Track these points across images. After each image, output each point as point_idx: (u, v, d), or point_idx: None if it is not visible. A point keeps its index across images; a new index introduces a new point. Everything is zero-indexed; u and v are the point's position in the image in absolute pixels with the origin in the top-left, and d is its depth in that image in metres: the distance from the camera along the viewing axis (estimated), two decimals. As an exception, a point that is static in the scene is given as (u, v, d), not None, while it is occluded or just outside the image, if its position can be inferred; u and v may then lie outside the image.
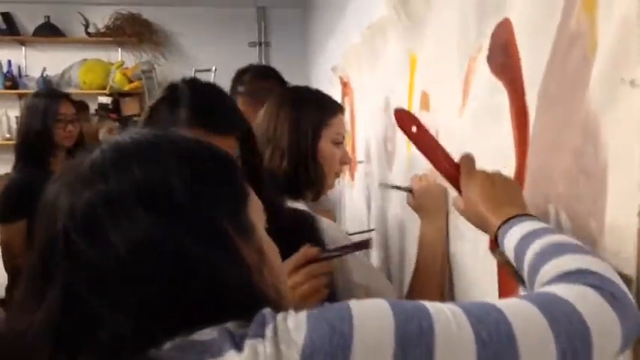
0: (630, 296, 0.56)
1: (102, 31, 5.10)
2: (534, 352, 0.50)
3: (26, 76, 5.09)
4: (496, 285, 0.98)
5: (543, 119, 0.83)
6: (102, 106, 5.00)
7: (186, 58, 5.26)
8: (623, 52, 0.62)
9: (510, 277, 0.79)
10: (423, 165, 1.43)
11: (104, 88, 5.04)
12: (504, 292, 0.95)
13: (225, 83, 2.20)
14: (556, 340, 0.50)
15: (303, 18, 5.19)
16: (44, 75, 5.03)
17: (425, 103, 1.42)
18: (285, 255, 0.65)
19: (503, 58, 0.94)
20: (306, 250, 0.92)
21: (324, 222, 1.18)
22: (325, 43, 3.70)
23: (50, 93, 2.39)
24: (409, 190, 1.30)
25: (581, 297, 0.54)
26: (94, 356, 0.49)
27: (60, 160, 2.33)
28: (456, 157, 1.20)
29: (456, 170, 0.85)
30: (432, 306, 0.52)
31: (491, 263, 0.96)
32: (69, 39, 5.13)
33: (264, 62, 5.15)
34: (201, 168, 0.55)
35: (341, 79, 2.78)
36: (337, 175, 1.44)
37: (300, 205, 1.27)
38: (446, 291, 1.25)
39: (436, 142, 0.90)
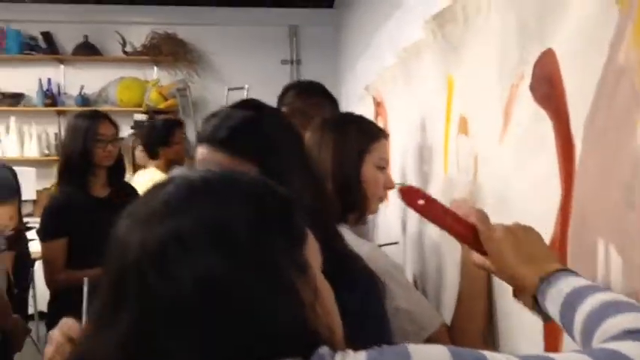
0: None
1: (138, 49, 5.22)
2: None
3: (65, 93, 5.23)
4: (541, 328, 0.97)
5: (590, 152, 0.82)
6: (137, 124, 5.10)
7: (219, 76, 5.35)
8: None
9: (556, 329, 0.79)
10: (461, 188, 1.44)
11: (140, 105, 5.14)
12: (549, 333, 0.93)
13: None
14: None
15: (334, 37, 5.23)
16: (82, 93, 5.16)
17: (463, 127, 1.42)
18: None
19: (547, 88, 0.94)
20: None
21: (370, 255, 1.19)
22: (357, 62, 3.72)
23: (91, 114, 2.45)
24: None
25: None
26: None
27: (100, 180, 2.38)
28: (496, 185, 1.21)
29: (471, 230, 0.84)
30: (492, 357, 0.51)
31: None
32: (106, 58, 5.26)
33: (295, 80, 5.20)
34: (264, 209, 0.57)
35: (374, 98, 2.79)
36: (381, 199, 1.45)
37: (343, 229, 1.27)
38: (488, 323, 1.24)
39: (445, 208, 0.90)
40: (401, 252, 2.09)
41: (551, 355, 0.53)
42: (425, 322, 1.22)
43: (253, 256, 0.53)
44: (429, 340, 1.21)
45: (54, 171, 5.07)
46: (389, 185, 1.44)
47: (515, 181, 1.10)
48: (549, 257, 0.76)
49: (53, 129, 5.23)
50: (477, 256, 0.83)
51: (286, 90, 2.07)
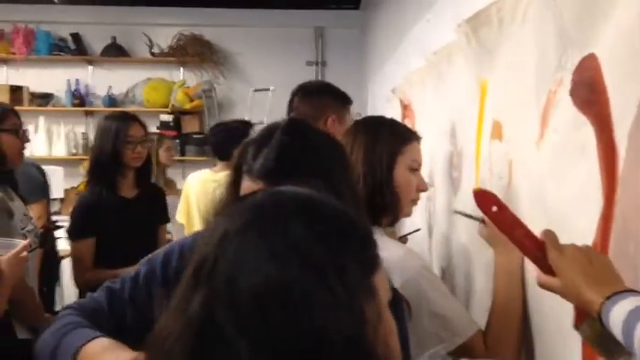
0: None
1: (165, 51, 5.27)
2: None
3: (93, 94, 5.30)
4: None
5: (634, 161, 0.80)
6: (163, 124, 5.15)
7: (244, 77, 5.38)
8: None
9: (597, 353, 0.78)
10: (494, 192, 1.42)
11: (166, 106, 5.20)
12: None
13: (282, 103, 2.24)
14: None
15: (360, 39, 5.23)
16: (110, 93, 5.23)
17: (497, 131, 1.40)
18: None
19: (589, 94, 0.92)
20: None
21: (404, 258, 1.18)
22: (383, 64, 3.71)
23: (121, 116, 2.48)
24: (481, 220, 1.28)
25: None
26: None
27: (128, 180, 2.41)
28: (532, 190, 1.19)
29: (539, 248, 0.84)
30: None
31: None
32: (134, 59, 5.33)
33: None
34: (344, 233, 0.60)
35: (401, 101, 2.78)
36: (414, 202, 1.44)
37: (376, 232, 1.27)
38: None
39: (517, 220, 0.90)
40: (426, 252, 2.07)
41: None
42: (460, 329, 1.21)
43: (325, 272, 0.56)
44: (464, 347, 1.19)
45: (81, 170, 5.16)
46: (422, 187, 1.43)
47: (553, 187, 1.08)
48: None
49: (81, 129, 5.31)
50: (542, 275, 0.84)
51: (292, 95, 2.08)
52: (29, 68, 5.22)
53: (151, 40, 5.24)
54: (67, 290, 4.18)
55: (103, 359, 0.89)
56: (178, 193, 3.63)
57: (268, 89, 4.80)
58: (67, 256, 3.63)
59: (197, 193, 3.00)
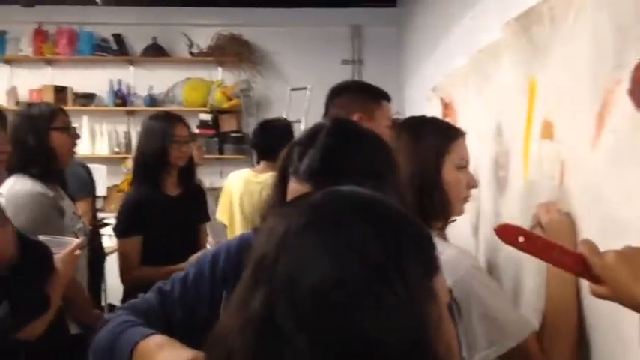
0: None
1: (204, 51, 5.33)
2: None
3: (134, 94, 5.40)
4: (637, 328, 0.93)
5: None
6: (202, 123, 5.22)
7: (282, 76, 5.41)
8: None
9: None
10: (544, 193, 1.39)
11: (205, 105, 5.26)
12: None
13: (319, 101, 2.24)
14: None
15: (397, 37, 5.20)
16: (150, 93, 5.32)
17: (547, 131, 1.37)
18: None
19: (652, 93, 0.90)
20: None
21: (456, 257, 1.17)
22: (423, 62, 3.68)
23: (167, 116, 2.52)
24: (539, 225, 1.24)
25: None
26: None
27: (172, 179, 2.45)
28: (586, 191, 1.17)
29: (579, 261, 0.83)
30: None
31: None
32: (173, 59, 5.41)
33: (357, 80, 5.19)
34: (407, 234, 0.61)
35: (442, 99, 2.75)
36: (466, 200, 1.42)
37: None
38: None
39: (548, 242, 0.88)
40: (472, 252, 2.05)
41: None
42: (511, 331, 1.18)
43: (386, 272, 0.56)
44: (518, 349, 1.17)
45: (123, 169, 5.27)
46: (472, 184, 1.41)
47: (609, 188, 1.06)
48: None
49: (123, 128, 5.42)
50: (592, 285, 0.83)
51: (326, 96, 2.02)
52: (73, 69, 5.35)
53: (190, 41, 5.31)
54: (112, 287, 4.28)
55: (160, 356, 0.91)
56: (210, 192, 3.64)
57: (305, 88, 4.81)
58: (111, 252, 3.72)
59: (240, 193, 2.99)
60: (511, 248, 1.63)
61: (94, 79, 5.32)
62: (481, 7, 2.13)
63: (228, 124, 5.38)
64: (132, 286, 2.35)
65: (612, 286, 0.80)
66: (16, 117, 2.08)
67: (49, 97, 4.95)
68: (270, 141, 2.91)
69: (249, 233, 1.21)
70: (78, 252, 1.56)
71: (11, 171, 1.88)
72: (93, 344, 1.03)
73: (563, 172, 1.27)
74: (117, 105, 5.33)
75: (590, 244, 0.84)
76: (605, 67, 1.07)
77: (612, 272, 0.79)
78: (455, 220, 1.44)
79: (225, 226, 3.15)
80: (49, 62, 5.34)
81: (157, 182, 2.39)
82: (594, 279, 0.82)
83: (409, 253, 0.58)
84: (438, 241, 1.20)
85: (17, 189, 1.92)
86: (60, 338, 1.79)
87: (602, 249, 0.84)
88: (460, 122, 2.38)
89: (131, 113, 5.43)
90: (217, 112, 5.31)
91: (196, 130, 4.95)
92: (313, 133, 1.03)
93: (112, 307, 4.18)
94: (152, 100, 5.31)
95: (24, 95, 5.28)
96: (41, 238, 1.51)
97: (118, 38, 5.33)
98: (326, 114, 1.99)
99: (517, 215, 1.52)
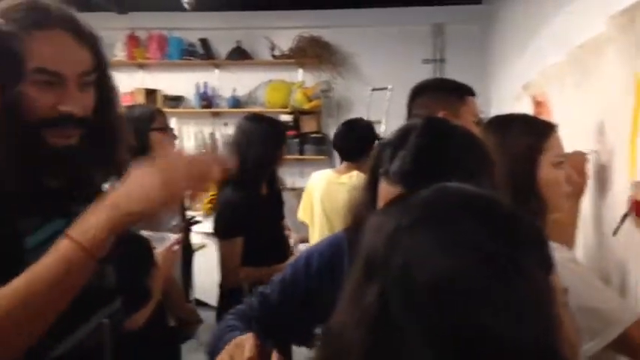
0: None
1: (285, 53, 5.42)
2: None
3: (219, 96, 5.57)
4: None
5: None
6: (284, 124, 5.29)
7: (362, 77, 5.40)
8: None
9: None
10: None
11: (286, 106, 5.34)
12: None
13: (400, 101, 2.20)
14: None
15: (482, 34, 5.06)
16: (234, 95, 5.47)
17: (658, 130, 1.29)
18: None
19: None
20: None
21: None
22: (510, 60, 3.57)
23: (263, 118, 2.54)
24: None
25: None
26: None
27: (265, 179, 2.47)
28: None
29: None
30: None
31: None
32: (256, 61, 5.53)
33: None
34: (520, 232, 0.59)
35: (533, 98, 2.66)
36: (568, 195, 1.35)
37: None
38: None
39: None
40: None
41: None
42: (614, 317, 1.12)
43: (505, 269, 0.55)
44: (622, 340, 1.10)
45: (208, 168, 5.43)
46: (572, 179, 1.34)
47: None
48: None
49: (208, 129, 5.60)
50: None
51: (408, 100, 1.97)
52: (162, 72, 5.58)
53: (272, 43, 5.41)
54: (198, 282, 4.43)
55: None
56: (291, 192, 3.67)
57: (386, 88, 4.78)
58: (198, 249, 3.85)
59: (322, 193, 3.00)
60: (613, 243, 1.56)
61: (181, 82, 5.53)
62: (580, 1, 2.04)
63: (308, 125, 5.44)
64: (234, 288, 2.33)
65: None
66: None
67: (140, 100, 5.17)
68: (353, 142, 2.90)
69: (339, 234, 1.21)
70: (176, 248, 1.62)
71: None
72: (206, 349, 1.10)
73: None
74: (202, 107, 5.50)
75: None
76: None
77: None
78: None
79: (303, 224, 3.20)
80: (141, 66, 5.59)
81: (258, 183, 2.40)
82: None
83: (526, 249, 0.57)
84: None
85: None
86: (161, 329, 1.87)
87: None
88: (555, 121, 2.29)
89: (216, 115, 5.60)
90: (298, 113, 5.38)
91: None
92: (404, 133, 1.01)
93: (198, 303, 4.32)
94: (235, 102, 5.45)
95: (118, 98, 5.56)
96: (143, 233, 1.58)
97: (204, 42, 5.51)
98: (409, 115, 1.96)
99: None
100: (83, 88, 1.00)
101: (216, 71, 5.60)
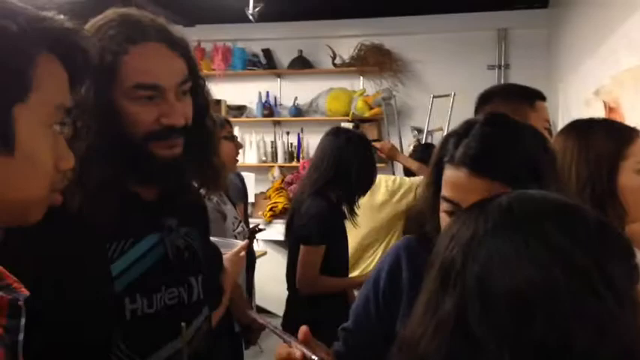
0: None
1: (347, 61, 5.44)
2: None
3: (280, 105, 5.65)
4: None
5: None
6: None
7: (423, 84, 5.36)
8: None
9: None
10: None
11: (346, 114, 5.35)
12: None
13: (463, 108, 2.17)
14: None
15: (547, 38, 4.92)
16: (295, 104, 5.53)
17: None
18: None
19: None
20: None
21: None
22: (580, 64, 3.45)
23: (344, 131, 2.60)
24: None
25: None
26: None
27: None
28: None
29: None
30: None
31: None
32: (317, 70, 5.58)
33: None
34: (607, 241, 0.58)
35: (605, 103, 2.56)
36: None
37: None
38: None
39: None
40: None
41: None
42: None
43: (592, 279, 0.53)
44: None
45: (269, 177, 5.53)
46: None
47: None
48: None
49: (270, 137, 5.68)
50: None
51: (475, 108, 1.92)
52: (226, 83, 5.70)
53: (333, 52, 5.44)
54: (259, 289, 4.49)
55: None
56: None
57: (448, 95, 4.72)
58: (260, 256, 3.90)
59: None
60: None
61: (244, 91, 5.64)
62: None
63: (369, 133, 5.40)
64: (310, 295, 2.35)
65: None
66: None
67: (205, 110, 5.31)
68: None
69: (401, 242, 1.20)
70: (243, 254, 1.65)
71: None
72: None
73: None
74: (264, 116, 5.59)
75: None
76: None
77: None
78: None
79: None
80: (206, 77, 5.69)
81: (341, 193, 2.42)
82: None
83: (613, 259, 0.55)
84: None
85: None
86: (228, 333, 1.91)
87: None
88: (628, 128, 2.20)
89: (277, 123, 5.68)
90: (359, 121, 5.38)
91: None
92: (468, 125, 1.01)
93: (259, 310, 4.38)
94: (297, 111, 5.51)
95: (184, 108, 5.73)
96: (211, 239, 1.62)
97: (266, 53, 5.60)
98: None
99: None
100: (181, 97, 1.00)
101: (278, 80, 5.69)
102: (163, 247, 1.01)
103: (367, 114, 5.31)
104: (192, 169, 1.05)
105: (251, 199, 5.16)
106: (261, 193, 5.49)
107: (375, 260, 3.17)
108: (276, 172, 5.53)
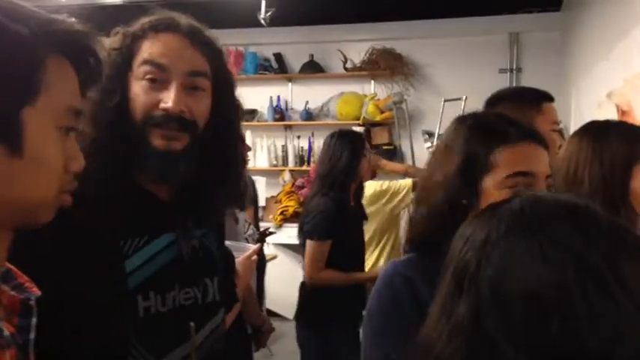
0: None
1: (358, 65, 5.44)
2: None
3: (291, 109, 5.66)
4: None
5: None
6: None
7: (435, 87, 5.35)
8: None
9: None
10: None
11: (357, 118, 5.36)
12: None
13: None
14: None
15: (560, 42, 4.90)
16: (307, 108, 5.54)
17: None
18: None
19: None
20: None
21: None
22: (593, 67, 3.43)
23: (354, 132, 2.77)
24: None
25: None
26: None
27: (351, 191, 2.63)
28: None
29: None
30: None
31: None
32: (328, 74, 5.59)
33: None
34: (619, 241, 0.57)
35: (618, 106, 2.54)
36: None
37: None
38: None
39: None
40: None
41: None
42: None
43: (605, 279, 0.53)
44: None
45: (280, 180, 5.54)
46: None
47: None
48: None
49: (281, 141, 5.69)
50: None
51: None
52: (238, 87, 5.71)
53: (345, 56, 5.45)
54: (269, 292, 4.50)
55: None
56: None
57: (459, 99, 4.71)
58: (270, 260, 3.91)
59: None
60: None
61: (256, 95, 5.65)
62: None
63: (380, 137, 5.43)
64: (315, 288, 2.54)
65: None
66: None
67: (216, 114, 5.33)
68: None
69: (396, 262, 1.15)
70: (254, 257, 1.66)
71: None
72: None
73: None
74: (275, 120, 5.60)
75: None
76: None
77: None
78: None
79: None
80: (217, 81, 5.75)
81: (346, 193, 2.59)
82: None
83: (626, 260, 0.55)
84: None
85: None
86: (240, 335, 1.91)
87: None
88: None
89: (288, 127, 5.69)
90: (370, 125, 5.38)
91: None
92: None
93: (269, 313, 4.38)
94: (308, 115, 5.51)
95: (195, 112, 5.76)
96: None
97: (278, 57, 5.62)
98: None
99: None
100: (191, 90, 0.97)
101: (290, 85, 5.70)
102: (178, 247, 1.01)
103: (378, 118, 5.31)
104: (212, 184, 1.04)
105: (262, 202, 5.17)
106: (272, 197, 5.50)
107: (369, 265, 3.19)
108: (286, 176, 5.54)
